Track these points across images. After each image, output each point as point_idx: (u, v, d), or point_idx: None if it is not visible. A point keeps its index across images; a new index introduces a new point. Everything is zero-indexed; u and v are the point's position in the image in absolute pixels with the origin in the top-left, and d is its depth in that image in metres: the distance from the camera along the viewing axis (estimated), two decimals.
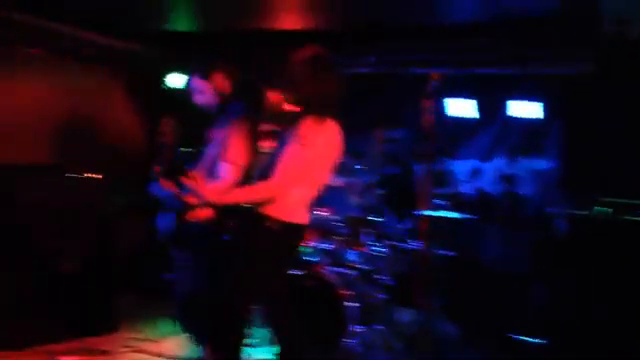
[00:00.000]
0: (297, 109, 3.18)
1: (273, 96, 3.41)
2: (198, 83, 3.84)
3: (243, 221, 3.24)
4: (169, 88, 6.08)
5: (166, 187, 3.63)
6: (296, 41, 5.33)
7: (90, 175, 4.95)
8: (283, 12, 5.00)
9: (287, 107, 3.25)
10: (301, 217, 3.23)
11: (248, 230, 3.20)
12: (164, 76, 6.08)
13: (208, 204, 3.30)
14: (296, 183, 3.11)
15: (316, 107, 3.13)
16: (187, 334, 3.95)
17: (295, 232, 3.23)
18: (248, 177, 3.59)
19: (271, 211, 3.10)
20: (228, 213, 3.43)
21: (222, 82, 3.84)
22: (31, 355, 4.38)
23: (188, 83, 3.98)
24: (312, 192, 3.26)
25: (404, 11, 4.60)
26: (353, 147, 6.04)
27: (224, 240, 3.58)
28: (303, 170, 3.10)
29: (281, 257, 3.29)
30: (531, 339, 4.65)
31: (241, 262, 3.18)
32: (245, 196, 3.20)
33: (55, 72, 5.70)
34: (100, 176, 5.00)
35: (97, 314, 4.92)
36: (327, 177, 3.32)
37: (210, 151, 3.81)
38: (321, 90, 3.16)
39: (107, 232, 5.04)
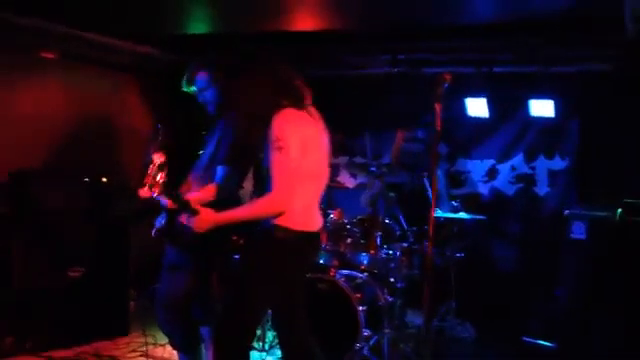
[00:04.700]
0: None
1: None
2: (204, 80, 3.76)
3: (253, 237, 3.10)
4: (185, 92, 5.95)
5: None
6: (313, 42, 5.31)
7: (105, 179, 4.92)
8: (299, 13, 4.89)
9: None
10: (313, 223, 3.07)
11: (260, 246, 3.03)
12: (181, 79, 5.94)
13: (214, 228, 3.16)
14: (297, 187, 2.96)
15: (264, 113, 2.92)
16: (166, 336, 3.89)
17: (310, 241, 3.07)
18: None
19: (281, 221, 2.93)
20: (236, 230, 3.33)
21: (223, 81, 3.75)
22: None
23: (191, 77, 3.87)
24: (317, 191, 3.10)
25: (421, 11, 4.49)
26: (370, 148, 6.02)
27: (235, 259, 3.49)
28: (297, 172, 2.91)
29: (297, 271, 3.13)
30: (545, 342, 4.54)
31: (255, 281, 3.00)
32: (249, 213, 3.02)
33: (69, 76, 5.63)
34: (115, 180, 4.97)
35: (107, 318, 4.90)
36: (325, 169, 3.12)
37: (207, 152, 3.75)
38: (254, 94, 2.99)
39: (120, 236, 5.00)
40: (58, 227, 4.69)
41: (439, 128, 3.24)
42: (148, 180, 3.02)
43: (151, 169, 3.02)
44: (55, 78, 5.53)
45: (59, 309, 4.63)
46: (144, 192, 3.14)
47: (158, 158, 3.06)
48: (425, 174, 5.04)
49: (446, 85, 3.23)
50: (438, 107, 3.22)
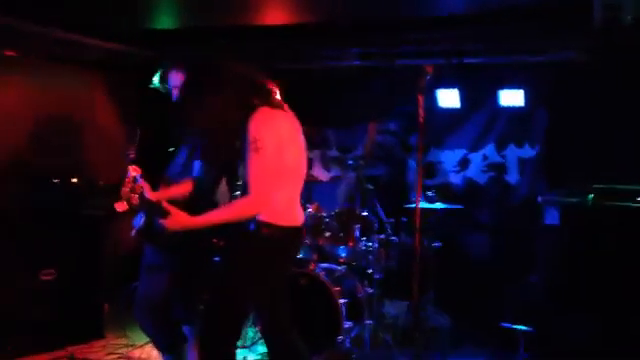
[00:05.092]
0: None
1: None
2: (177, 78, 3.70)
3: (236, 236, 3.05)
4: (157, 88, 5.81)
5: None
6: (282, 35, 5.27)
7: (75, 180, 4.80)
8: (267, 7, 4.84)
9: None
10: (297, 217, 3.07)
11: (245, 245, 2.99)
12: (151, 76, 5.80)
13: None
14: (277, 187, 2.92)
15: (237, 114, 2.88)
16: (148, 337, 3.84)
17: (295, 236, 3.07)
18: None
19: (266, 217, 2.92)
20: (216, 232, 3.28)
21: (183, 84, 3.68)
22: None
23: (165, 76, 3.80)
24: (297, 186, 3.09)
25: (391, 3, 4.49)
26: (343, 141, 6.04)
27: (216, 261, 3.44)
28: (276, 172, 2.89)
29: (282, 267, 3.13)
30: (522, 327, 4.61)
31: (244, 280, 2.97)
32: (225, 216, 2.97)
33: (34, 75, 5.45)
34: (85, 179, 4.85)
35: (82, 321, 4.80)
36: (303, 163, 3.11)
37: (183, 151, 3.70)
38: (223, 95, 2.92)
39: (92, 236, 4.90)
40: (29, 229, 4.57)
41: (422, 119, 3.25)
42: (125, 193, 2.96)
43: (127, 182, 2.96)
44: (20, 77, 5.35)
45: (32, 313, 4.52)
46: (121, 206, 3.09)
47: (133, 171, 3.00)
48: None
49: (428, 77, 3.25)
50: (421, 99, 3.23)
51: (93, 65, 5.91)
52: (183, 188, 3.50)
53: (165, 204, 2.96)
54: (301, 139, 3.10)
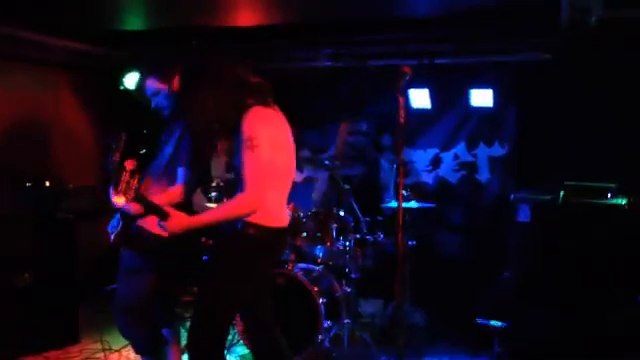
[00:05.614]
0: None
1: None
2: (154, 84, 3.68)
3: (223, 236, 3.06)
4: (126, 89, 5.77)
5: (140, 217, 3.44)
6: (253, 36, 5.28)
7: (47, 183, 4.72)
8: (238, 9, 4.83)
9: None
10: (283, 218, 3.10)
11: (231, 244, 3.01)
12: (121, 77, 5.76)
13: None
14: (270, 186, 2.96)
15: (229, 114, 2.92)
16: (127, 340, 3.82)
17: (280, 236, 3.10)
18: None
19: (253, 218, 2.93)
20: (205, 231, 3.28)
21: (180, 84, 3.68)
22: None
23: (142, 84, 3.79)
24: (286, 187, 3.13)
25: (362, 4, 4.53)
26: (315, 141, 6.07)
27: (204, 260, 3.42)
28: (269, 170, 2.92)
29: (267, 267, 3.17)
30: (497, 322, 4.70)
31: (229, 280, 2.98)
32: (222, 214, 2.98)
33: (1, 76, 5.36)
34: (54, 181, 4.77)
35: (57, 326, 4.73)
36: (292, 164, 3.14)
37: (165, 153, 3.68)
38: (216, 96, 2.95)
39: (65, 239, 4.83)
40: (1, 233, 4.49)
41: (403, 119, 3.30)
42: (122, 187, 2.95)
43: (124, 176, 2.95)
44: None
45: (5, 318, 4.44)
46: (119, 200, 3.07)
47: (130, 164, 2.99)
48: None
49: (407, 78, 3.29)
50: (401, 100, 3.28)
51: (60, 66, 5.82)
52: (170, 196, 3.48)
53: (165, 206, 2.97)
54: (291, 141, 3.13)
